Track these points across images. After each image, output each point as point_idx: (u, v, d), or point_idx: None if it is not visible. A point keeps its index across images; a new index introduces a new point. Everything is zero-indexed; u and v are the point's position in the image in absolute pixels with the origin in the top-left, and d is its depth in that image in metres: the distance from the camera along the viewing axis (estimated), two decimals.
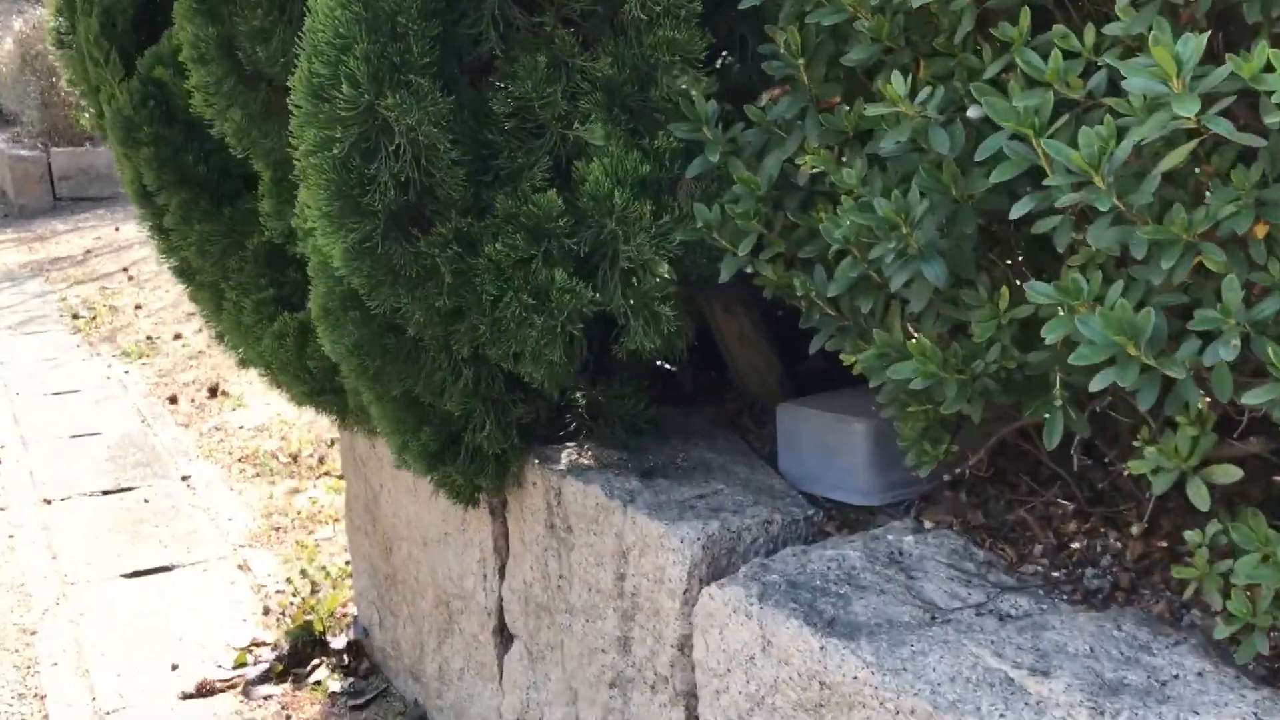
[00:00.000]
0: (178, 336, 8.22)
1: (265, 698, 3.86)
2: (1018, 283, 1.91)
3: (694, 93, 2.15)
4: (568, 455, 2.67)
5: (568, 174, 2.29)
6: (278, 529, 5.12)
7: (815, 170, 2.03)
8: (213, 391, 6.98)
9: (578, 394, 2.73)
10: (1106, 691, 1.57)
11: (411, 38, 2.13)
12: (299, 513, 5.26)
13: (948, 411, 1.99)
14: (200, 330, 7.26)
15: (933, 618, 1.84)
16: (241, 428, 6.41)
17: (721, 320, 3.00)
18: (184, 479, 5.71)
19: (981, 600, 1.87)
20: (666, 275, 2.25)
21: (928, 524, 2.22)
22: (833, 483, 2.46)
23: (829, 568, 2.04)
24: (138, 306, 9.16)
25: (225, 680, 3.94)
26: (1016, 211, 1.73)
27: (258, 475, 5.76)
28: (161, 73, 3.27)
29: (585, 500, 2.48)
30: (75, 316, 9.07)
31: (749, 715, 1.99)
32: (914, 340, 1.96)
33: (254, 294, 3.26)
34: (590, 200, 2.23)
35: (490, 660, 3.04)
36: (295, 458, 5.89)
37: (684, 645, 2.21)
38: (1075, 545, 2.07)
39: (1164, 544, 2.01)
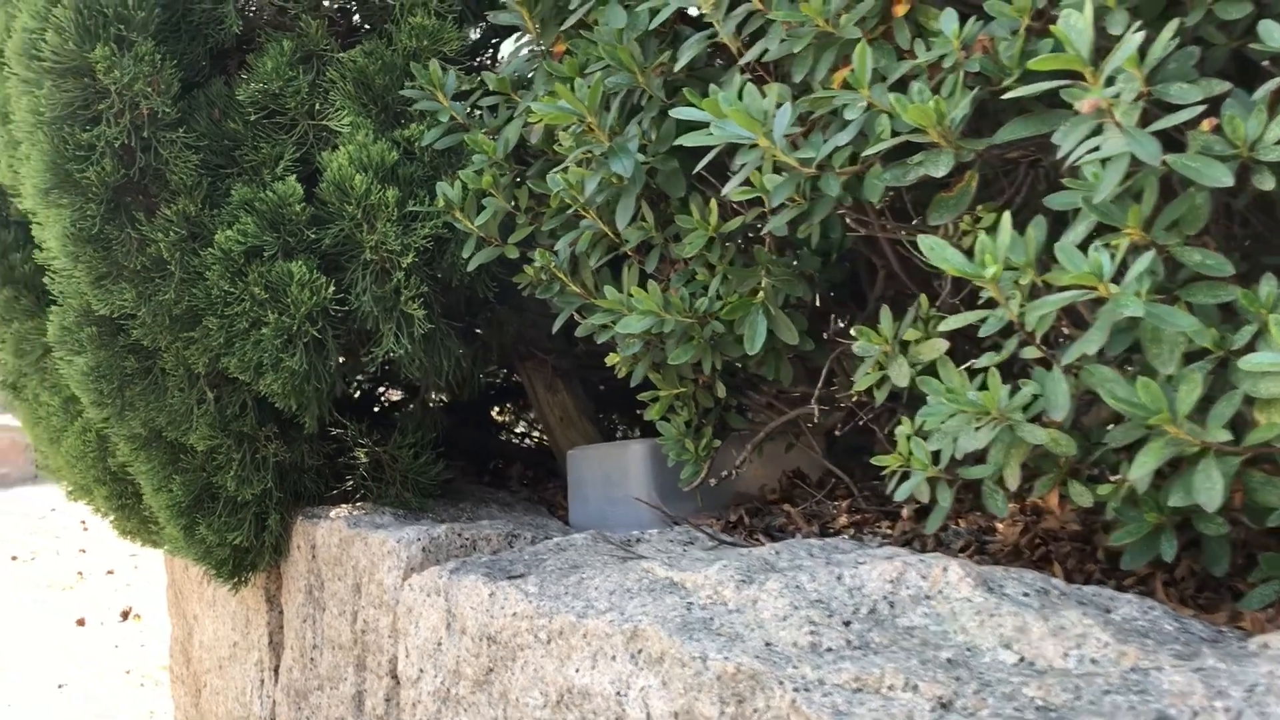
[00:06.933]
0: None
1: None
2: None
3: (433, 62, 2.03)
4: (337, 512, 2.39)
5: (320, 170, 2.16)
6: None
7: (545, 120, 1.88)
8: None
9: (359, 450, 2.48)
10: (756, 570, 1.26)
11: None
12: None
13: (676, 361, 1.75)
14: None
15: (624, 557, 1.52)
16: None
17: (544, 400, 2.78)
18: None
19: (686, 542, 1.57)
20: (414, 261, 2.06)
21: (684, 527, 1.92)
22: (617, 520, 2.16)
23: (548, 548, 1.74)
24: None
25: None
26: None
27: None
28: None
29: (331, 539, 2.18)
30: None
31: (438, 718, 1.63)
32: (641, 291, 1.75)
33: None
34: (333, 187, 2.08)
35: None
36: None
37: (394, 669, 1.86)
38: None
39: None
